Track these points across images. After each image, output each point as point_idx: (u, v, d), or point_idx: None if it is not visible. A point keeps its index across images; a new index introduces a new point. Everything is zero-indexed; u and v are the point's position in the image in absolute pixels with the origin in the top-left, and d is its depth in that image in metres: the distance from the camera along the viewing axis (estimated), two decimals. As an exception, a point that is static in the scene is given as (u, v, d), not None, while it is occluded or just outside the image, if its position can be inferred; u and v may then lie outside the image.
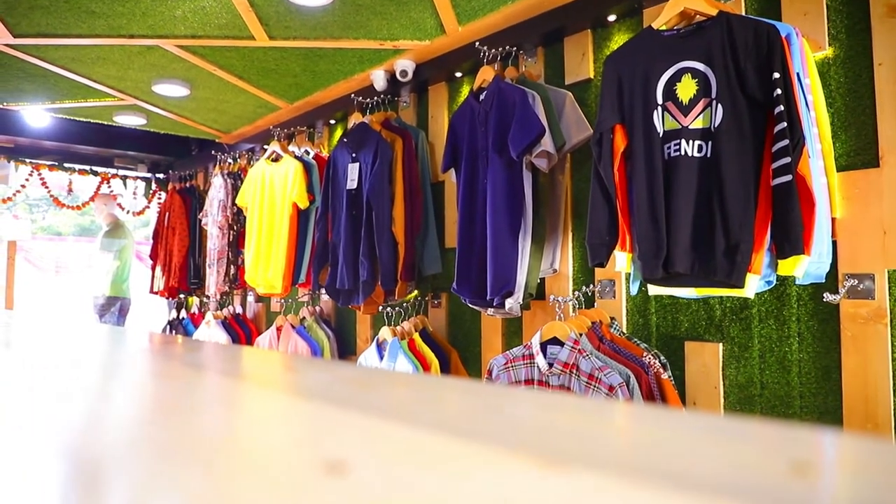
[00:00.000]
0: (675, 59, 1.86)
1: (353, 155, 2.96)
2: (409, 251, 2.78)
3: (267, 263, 3.42)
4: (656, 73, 1.89)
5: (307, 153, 3.56)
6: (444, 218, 2.97)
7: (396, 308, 2.88)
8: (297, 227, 3.36)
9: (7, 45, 2.83)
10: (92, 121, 4.14)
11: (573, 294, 2.25)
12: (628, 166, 1.95)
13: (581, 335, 2.10)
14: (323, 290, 3.36)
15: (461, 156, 2.49)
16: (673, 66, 1.86)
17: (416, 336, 2.74)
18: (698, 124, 1.81)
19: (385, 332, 2.75)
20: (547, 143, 2.21)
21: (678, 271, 1.81)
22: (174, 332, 4.63)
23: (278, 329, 3.48)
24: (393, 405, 0.29)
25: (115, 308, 5.56)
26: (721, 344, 2.03)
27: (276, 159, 3.52)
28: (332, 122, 3.76)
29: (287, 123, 3.84)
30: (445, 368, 2.67)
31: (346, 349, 3.52)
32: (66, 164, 5.27)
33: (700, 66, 1.82)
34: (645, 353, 2.06)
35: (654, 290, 1.92)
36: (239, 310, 4.35)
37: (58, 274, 8.90)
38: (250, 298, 4.41)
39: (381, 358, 2.74)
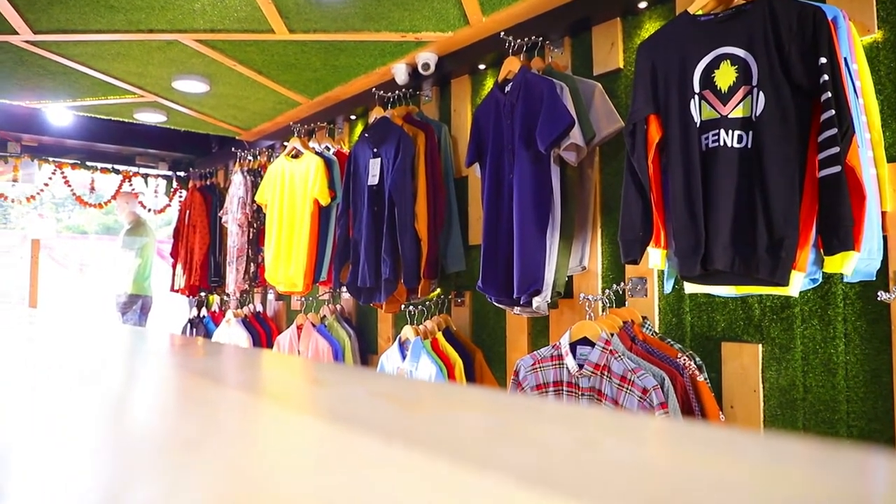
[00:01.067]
0: (713, 45, 1.77)
1: (375, 150, 2.89)
2: (432, 248, 2.71)
3: (287, 261, 3.37)
4: (693, 61, 1.80)
5: (328, 149, 3.50)
6: (468, 214, 2.90)
7: (419, 307, 2.81)
8: (318, 224, 3.30)
9: (27, 41, 2.81)
10: (113, 118, 4.13)
11: (603, 292, 2.16)
12: (663, 158, 1.86)
13: (612, 335, 2.01)
14: (344, 288, 3.31)
15: (486, 150, 2.42)
16: (711, 52, 1.77)
17: (440, 335, 2.67)
18: (738, 113, 1.71)
19: (408, 332, 2.69)
20: (576, 135, 2.13)
21: (717, 268, 1.72)
22: (195, 330, 4.61)
23: (298, 328, 3.44)
24: (455, 438, 0.22)
25: (136, 306, 5.56)
26: (760, 345, 1.93)
27: (297, 156, 3.47)
28: (353, 117, 3.70)
29: (307, 119, 3.79)
30: (470, 369, 2.60)
31: (367, 348, 3.46)
32: (88, 163, 5.28)
33: (740, 52, 1.72)
34: (679, 355, 1.98)
35: (690, 288, 1.84)
36: (259, 308, 4.31)
37: (81, 272, 8.97)
38: (270, 296, 4.38)
39: (404, 358, 2.67)
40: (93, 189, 5.46)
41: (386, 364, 2.78)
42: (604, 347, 1.97)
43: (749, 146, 1.69)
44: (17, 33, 2.72)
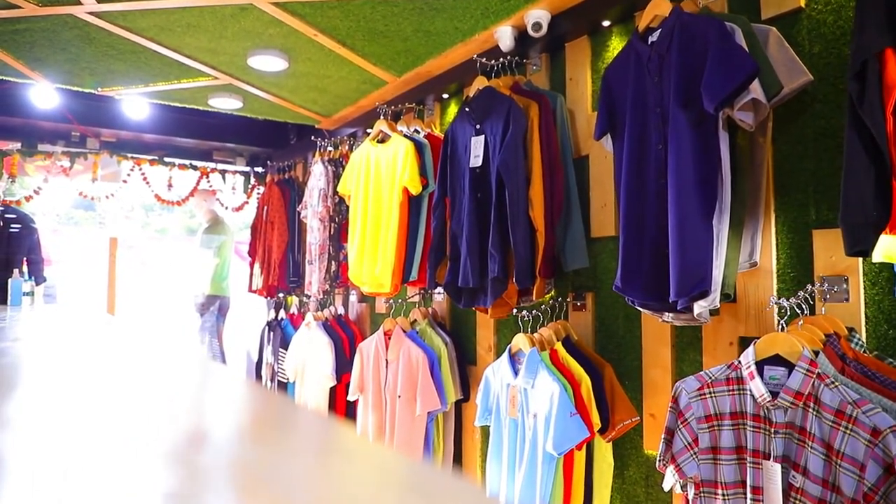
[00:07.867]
0: None
1: (478, 126, 2.46)
2: (549, 241, 2.25)
3: (373, 258, 2.98)
4: (954, -32, 1.27)
5: (417, 132, 3.10)
6: (589, 200, 2.42)
7: (532, 311, 2.35)
8: (407, 216, 2.89)
9: (92, 13, 2.53)
10: (187, 106, 3.87)
11: (795, 295, 1.64)
12: (904, 109, 1.34)
13: (817, 353, 1.50)
14: (439, 290, 2.89)
15: (623, 117, 1.94)
16: (984, -46, 1.24)
17: (559, 346, 2.21)
18: None
19: (521, 341, 2.24)
20: (756, 89, 1.62)
21: None
22: (272, 334, 4.31)
23: (386, 334, 3.04)
24: None
25: (214, 307, 5.35)
26: None
27: (383, 140, 3.08)
28: (445, 96, 3.29)
29: (393, 101, 3.40)
30: (599, 388, 2.11)
31: (463, 358, 3.03)
32: (166, 159, 5.10)
33: None
34: (912, 380, 1.44)
35: (952, 289, 1.31)
36: (341, 310, 3.96)
37: (166, 273, 8.97)
38: (352, 298, 4.02)
39: (516, 373, 2.22)
40: (170, 186, 5.28)
41: (492, 379, 2.34)
42: (808, 370, 1.46)
43: None
44: (80, 3, 2.43)
